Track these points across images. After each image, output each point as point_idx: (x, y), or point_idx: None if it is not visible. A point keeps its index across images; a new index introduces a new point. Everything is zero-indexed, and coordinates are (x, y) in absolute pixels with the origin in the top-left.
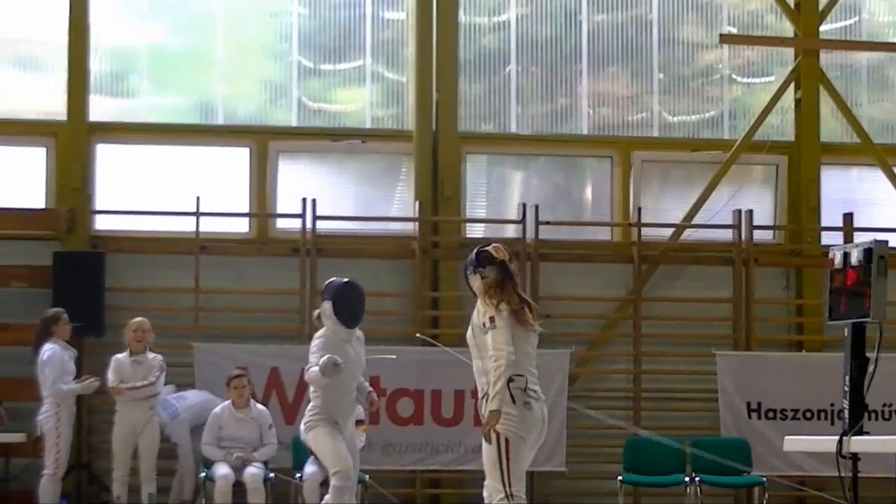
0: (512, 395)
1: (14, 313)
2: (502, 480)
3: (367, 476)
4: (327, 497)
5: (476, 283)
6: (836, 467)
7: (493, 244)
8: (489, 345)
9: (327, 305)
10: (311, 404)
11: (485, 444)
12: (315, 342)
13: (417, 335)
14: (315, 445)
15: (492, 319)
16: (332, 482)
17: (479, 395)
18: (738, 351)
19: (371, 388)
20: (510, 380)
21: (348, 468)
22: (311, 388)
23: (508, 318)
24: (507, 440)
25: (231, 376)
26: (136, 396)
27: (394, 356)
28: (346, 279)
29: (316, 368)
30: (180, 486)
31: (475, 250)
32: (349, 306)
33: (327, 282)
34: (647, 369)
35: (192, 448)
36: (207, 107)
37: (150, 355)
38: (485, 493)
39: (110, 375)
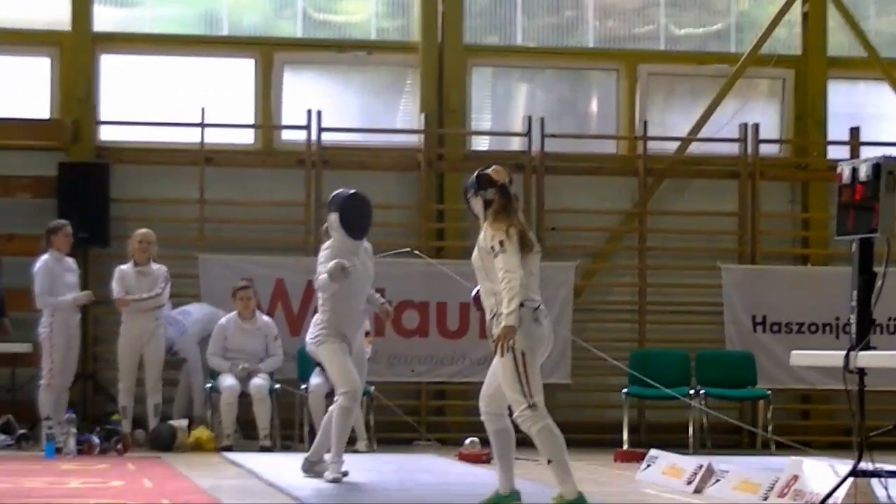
0: (524, 315)
1: (19, 224)
2: (523, 392)
3: (372, 387)
4: (333, 414)
5: (477, 205)
6: (842, 381)
7: (494, 166)
8: (499, 267)
9: (334, 217)
10: (319, 317)
11: (499, 362)
12: (323, 253)
13: (409, 249)
14: (324, 361)
15: (501, 243)
16: (339, 402)
17: (488, 316)
18: (744, 264)
19: (383, 300)
20: (521, 304)
21: (356, 389)
22: (320, 301)
23: (517, 242)
24: (523, 353)
25: (237, 287)
26: (141, 308)
27: (408, 248)
28: (352, 190)
29: (325, 275)
30: (186, 397)
31: (476, 173)
32: (356, 217)
33: (333, 194)
34: (653, 283)
35: (201, 364)
36: (212, 17)
37: (155, 266)
38: (482, 406)
39: (115, 286)
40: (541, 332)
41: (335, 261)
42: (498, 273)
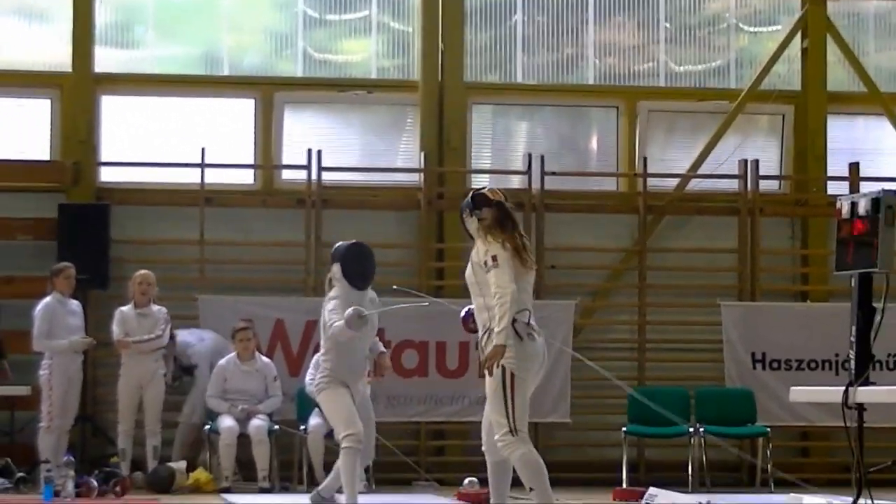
0: (517, 331)
1: (19, 266)
2: (506, 414)
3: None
4: (339, 460)
5: (473, 225)
6: (841, 417)
7: (488, 187)
8: (492, 282)
9: (336, 268)
10: (320, 361)
11: (488, 379)
12: (330, 304)
13: (394, 287)
14: (325, 407)
15: (494, 258)
16: (344, 444)
17: (480, 332)
18: (743, 301)
19: (384, 350)
20: (513, 319)
21: (359, 431)
22: (323, 349)
23: (510, 257)
24: (511, 374)
25: (236, 329)
26: (141, 350)
27: (426, 302)
28: (353, 241)
29: (340, 323)
30: (185, 437)
31: (471, 193)
32: (358, 267)
33: (335, 245)
34: (652, 320)
35: (207, 376)
36: (213, 57)
37: (155, 308)
38: (483, 424)
39: (115, 329)
40: (533, 348)
41: (353, 308)
42: (491, 289)
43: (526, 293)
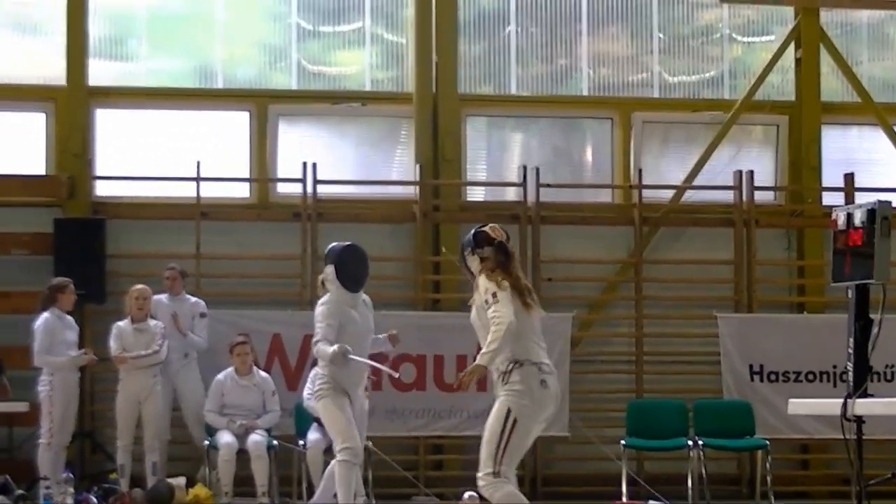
0: (528, 378)
1: (15, 281)
2: (495, 456)
3: (369, 442)
4: (334, 471)
5: (474, 263)
6: (840, 430)
7: (490, 224)
8: (490, 316)
9: (330, 270)
10: (319, 371)
11: (492, 412)
12: (320, 309)
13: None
14: (324, 416)
15: (494, 295)
16: (340, 457)
17: (494, 376)
18: (740, 313)
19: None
20: (519, 363)
21: (357, 445)
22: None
23: (511, 293)
24: (515, 420)
25: (233, 343)
26: (139, 365)
27: (397, 374)
28: (347, 242)
29: (326, 347)
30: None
31: (472, 231)
32: (352, 269)
33: (329, 247)
34: (649, 332)
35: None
36: (207, 70)
37: (152, 322)
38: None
39: (112, 344)
40: (546, 395)
41: (338, 346)
42: (491, 323)
43: (530, 337)
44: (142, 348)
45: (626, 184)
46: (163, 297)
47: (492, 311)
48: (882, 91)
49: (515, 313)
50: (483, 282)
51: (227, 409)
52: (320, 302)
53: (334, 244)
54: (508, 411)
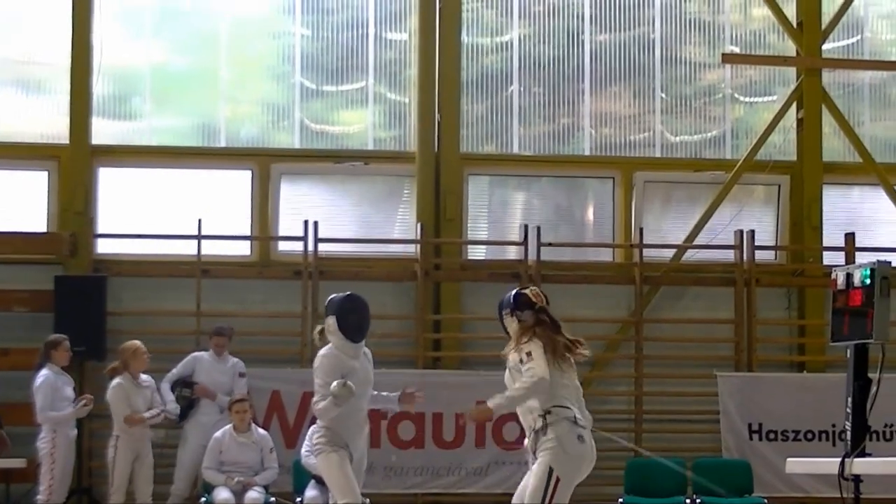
0: (563, 432)
1: (16, 338)
2: None
3: (367, 500)
4: None
5: (513, 325)
6: (838, 489)
7: (531, 288)
8: (524, 370)
9: (331, 321)
10: (318, 424)
11: (534, 470)
12: (319, 362)
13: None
14: (324, 472)
15: (529, 354)
16: None
17: (528, 435)
18: (740, 372)
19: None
20: (552, 418)
21: (356, 501)
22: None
23: (545, 353)
24: (558, 479)
25: (232, 400)
26: (151, 424)
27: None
28: (347, 292)
29: (325, 403)
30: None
31: (513, 292)
32: (353, 319)
33: (330, 297)
34: (649, 391)
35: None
36: (210, 129)
37: (144, 377)
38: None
39: (120, 405)
40: (583, 450)
41: (336, 382)
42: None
43: (568, 389)
44: (141, 403)
45: (628, 243)
46: (204, 354)
47: (526, 367)
48: (883, 151)
49: (550, 373)
50: (518, 342)
51: (226, 466)
52: (321, 353)
53: (334, 295)
54: (551, 470)
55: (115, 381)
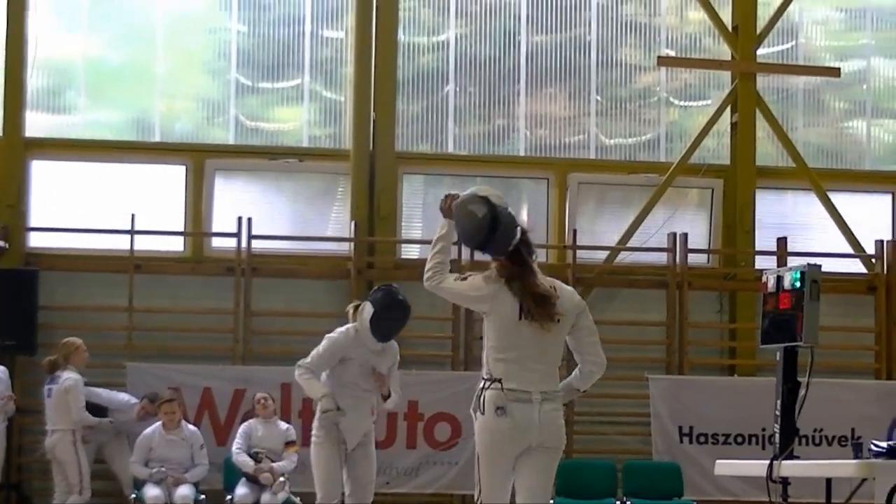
0: (483, 404)
1: None
2: (477, 492)
3: (297, 498)
4: None
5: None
6: (766, 492)
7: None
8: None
9: (368, 310)
10: (318, 415)
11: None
12: (332, 336)
13: None
14: (312, 462)
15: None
16: None
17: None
18: (671, 374)
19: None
20: (488, 382)
21: (329, 502)
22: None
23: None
24: (478, 456)
25: (161, 401)
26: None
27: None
28: (400, 297)
29: (313, 383)
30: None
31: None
32: (387, 321)
33: (384, 285)
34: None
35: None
36: (144, 123)
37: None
38: None
39: (81, 398)
40: (503, 424)
41: (327, 398)
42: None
43: (511, 353)
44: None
45: (561, 244)
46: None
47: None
48: (816, 157)
49: (507, 325)
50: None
51: (154, 463)
52: (338, 329)
53: (391, 286)
54: (475, 444)
55: (70, 375)
